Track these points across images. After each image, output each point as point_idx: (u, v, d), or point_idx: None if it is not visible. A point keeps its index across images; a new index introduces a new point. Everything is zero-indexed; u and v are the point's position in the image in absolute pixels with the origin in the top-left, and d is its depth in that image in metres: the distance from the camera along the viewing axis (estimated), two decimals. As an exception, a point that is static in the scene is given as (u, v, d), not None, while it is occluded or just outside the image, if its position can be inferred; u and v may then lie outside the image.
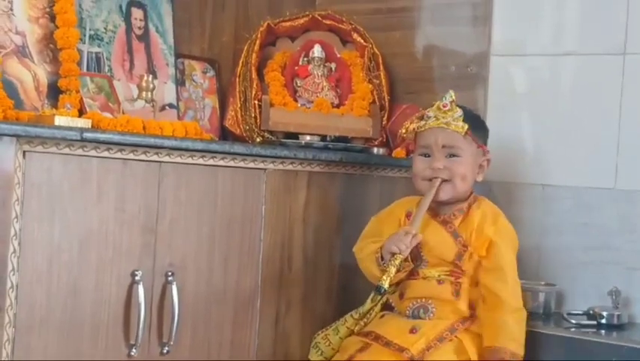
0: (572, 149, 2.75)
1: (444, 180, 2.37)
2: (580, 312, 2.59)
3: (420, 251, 2.38)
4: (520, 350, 2.31)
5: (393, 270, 2.26)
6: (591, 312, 2.57)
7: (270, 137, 2.75)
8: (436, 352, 2.27)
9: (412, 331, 2.30)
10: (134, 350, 2.15)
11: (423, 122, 2.39)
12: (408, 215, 2.44)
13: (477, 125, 2.41)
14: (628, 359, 2.32)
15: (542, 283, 2.68)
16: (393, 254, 2.27)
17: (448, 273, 2.38)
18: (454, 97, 2.38)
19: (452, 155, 2.37)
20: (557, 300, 2.70)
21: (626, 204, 2.66)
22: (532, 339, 2.37)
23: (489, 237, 2.36)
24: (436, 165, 2.37)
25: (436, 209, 2.41)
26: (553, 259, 2.74)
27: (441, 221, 2.40)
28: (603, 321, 2.53)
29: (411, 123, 2.78)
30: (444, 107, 2.37)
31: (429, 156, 2.39)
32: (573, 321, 2.54)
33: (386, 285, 2.24)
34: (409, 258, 2.33)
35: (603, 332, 2.48)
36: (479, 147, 2.40)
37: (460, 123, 2.35)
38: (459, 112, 2.36)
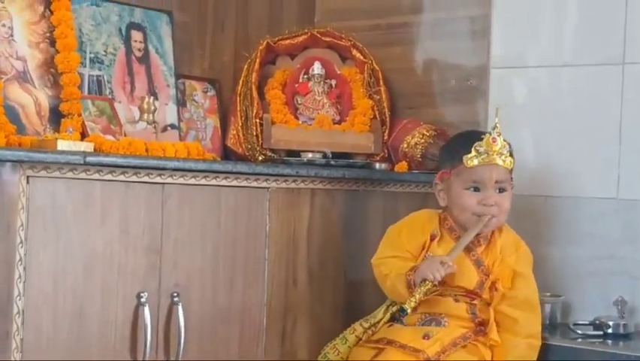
0: (574, 159, 2.76)
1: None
2: (586, 322, 2.59)
3: (445, 277, 2.35)
4: None
5: (420, 295, 2.27)
6: (597, 322, 2.57)
7: (273, 155, 2.76)
8: (452, 355, 2.28)
9: (425, 337, 2.31)
10: (141, 371, 2.16)
11: (472, 157, 2.36)
12: (432, 238, 2.42)
13: (514, 157, 2.41)
14: (635, 368, 2.32)
15: (548, 294, 2.68)
16: (424, 280, 2.27)
17: (464, 294, 2.38)
18: (500, 130, 2.36)
19: (501, 190, 2.38)
20: (563, 311, 2.71)
21: (628, 214, 2.66)
22: (539, 350, 2.37)
23: (512, 267, 2.39)
24: (490, 201, 2.36)
25: (460, 236, 2.39)
26: (558, 270, 2.74)
27: (465, 249, 2.38)
28: (609, 331, 2.54)
29: (412, 138, 2.80)
30: (493, 141, 2.35)
31: (478, 190, 2.38)
32: (579, 332, 2.54)
33: (410, 308, 2.26)
34: (437, 284, 2.33)
35: (610, 342, 2.49)
36: (511, 178, 2.42)
37: (509, 159, 2.37)
38: (507, 147, 2.36)
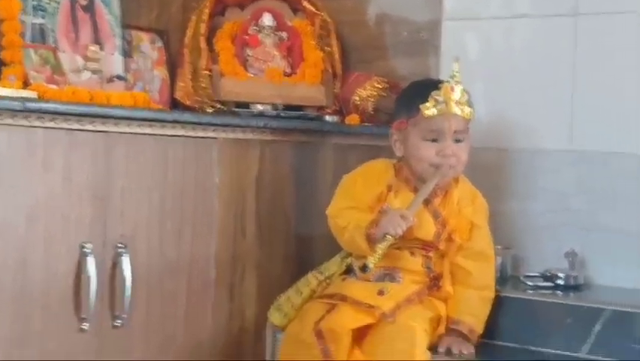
0: (528, 112, 2.73)
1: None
2: (537, 274, 2.58)
3: None
4: (478, 328, 2.32)
5: (382, 251, 2.23)
6: (548, 274, 2.56)
7: (222, 107, 2.71)
8: (407, 310, 2.25)
9: (380, 293, 2.27)
10: (85, 323, 2.12)
11: (430, 106, 2.31)
12: (389, 189, 2.39)
13: (473, 107, 2.37)
14: (585, 318, 2.31)
15: (499, 246, 2.65)
16: (385, 235, 2.23)
17: (420, 246, 2.36)
18: (459, 78, 2.32)
19: (458, 140, 2.34)
20: (514, 263, 2.69)
21: (582, 166, 2.65)
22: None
23: (469, 219, 2.37)
24: (448, 152, 2.32)
25: (418, 187, 2.36)
26: (512, 223, 2.72)
27: (422, 200, 2.35)
28: (560, 282, 2.53)
29: (364, 90, 2.77)
30: (451, 90, 2.30)
31: (434, 140, 2.34)
32: (530, 283, 2.53)
33: (372, 265, 2.22)
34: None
35: (560, 293, 2.48)
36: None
37: (468, 109, 2.32)
38: (466, 96, 2.32)
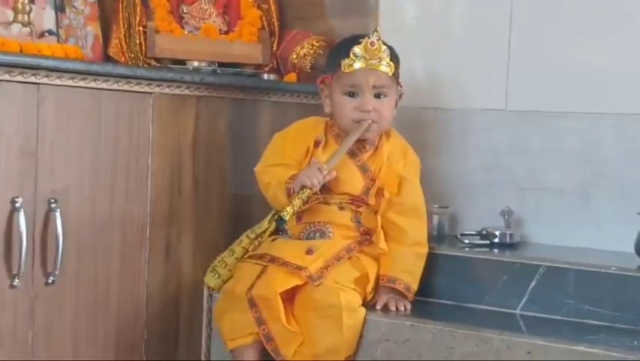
0: (463, 72, 2.74)
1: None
2: (473, 232, 2.60)
3: (328, 183, 2.32)
4: (414, 285, 2.32)
5: (298, 203, 2.23)
6: (484, 232, 2.58)
7: (157, 64, 2.66)
8: (334, 270, 2.23)
9: (309, 252, 2.25)
10: (16, 280, 2.08)
11: (350, 61, 2.30)
12: (317, 143, 2.38)
13: (397, 63, 2.36)
14: (520, 275, 2.34)
15: (436, 206, 2.67)
16: (303, 187, 2.23)
17: (349, 201, 2.35)
18: (380, 35, 2.31)
19: (379, 95, 2.34)
20: (451, 222, 2.71)
21: (516, 126, 2.67)
22: (426, 260, 2.36)
23: (399, 173, 2.36)
24: (367, 107, 2.32)
25: None
26: (447, 182, 2.74)
27: (350, 154, 2.35)
28: (496, 241, 2.55)
29: (302, 49, 2.74)
30: (371, 45, 2.30)
31: (354, 96, 2.33)
32: (467, 241, 2.55)
33: (288, 216, 2.22)
34: (318, 192, 2.29)
35: (496, 250, 2.49)
36: (397, 83, 2.37)
37: (390, 64, 2.31)
38: (387, 51, 2.31)
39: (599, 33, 2.56)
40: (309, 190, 2.23)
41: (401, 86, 2.41)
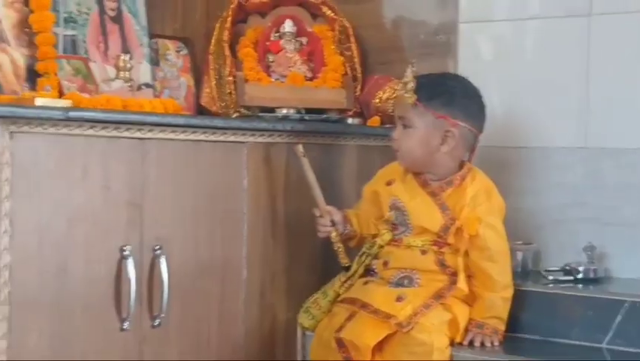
0: (543, 111, 2.79)
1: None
2: (557, 268, 2.64)
3: (406, 218, 2.41)
4: (501, 327, 2.37)
5: (337, 248, 2.46)
6: (568, 268, 2.61)
7: (247, 112, 2.78)
8: (424, 317, 2.29)
9: (398, 300, 2.31)
10: (126, 323, 2.19)
11: (391, 92, 2.45)
12: (388, 183, 2.48)
13: (435, 96, 2.38)
14: (605, 310, 2.37)
15: (519, 242, 2.72)
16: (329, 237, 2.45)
17: (431, 243, 2.40)
18: (412, 68, 2.39)
19: (405, 126, 2.41)
20: (535, 258, 2.75)
21: (596, 162, 2.71)
22: (512, 296, 2.41)
23: (482, 216, 2.37)
24: (393, 135, 2.44)
25: (426, 180, 2.43)
26: (530, 219, 2.78)
27: (430, 192, 2.41)
28: (580, 276, 2.58)
29: (384, 93, 2.85)
30: (405, 77, 2.39)
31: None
32: (551, 277, 2.59)
33: (344, 263, 2.44)
34: (396, 221, 2.42)
35: (580, 286, 2.53)
36: (439, 117, 2.38)
37: (409, 94, 2.36)
38: (411, 84, 2.36)
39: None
40: (333, 235, 2.46)
41: (455, 123, 2.38)
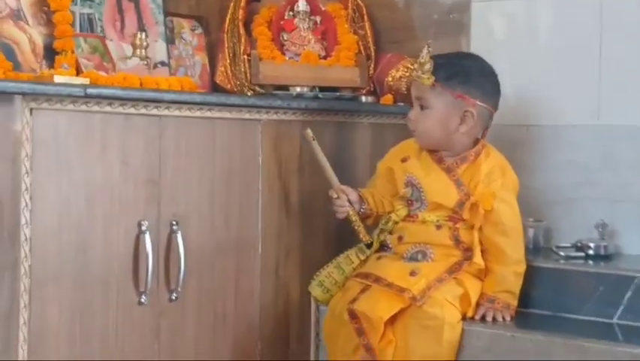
0: (554, 88, 2.81)
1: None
2: (568, 245, 2.66)
3: (421, 194, 2.44)
4: (514, 302, 2.39)
5: (357, 227, 2.48)
6: (579, 244, 2.64)
7: (261, 90, 2.81)
8: (437, 291, 2.31)
9: (412, 274, 2.33)
10: (143, 297, 2.24)
11: (408, 72, 2.47)
12: (403, 160, 2.49)
13: (453, 76, 2.39)
14: (616, 286, 2.40)
15: (531, 219, 2.74)
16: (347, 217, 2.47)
17: (446, 218, 2.42)
18: (428, 49, 2.38)
19: (423, 107, 2.42)
20: (546, 235, 2.77)
21: (608, 140, 2.73)
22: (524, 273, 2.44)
23: (496, 192, 2.39)
24: (409, 116, 2.45)
25: (441, 156, 2.45)
26: (541, 197, 2.80)
27: (445, 168, 2.43)
28: (591, 252, 2.60)
29: (397, 72, 2.86)
30: (421, 58, 2.39)
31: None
32: (562, 253, 2.61)
33: (365, 240, 2.47)
34: (411, 197, 2.45)
35: (591, 262, 2.55)
36: (458, 97, 2.39)
37: (426, 75, 2.37)
38: (428, 65, 2.37)
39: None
40: (351, 215, 2.47)
41: (474, 103, 2.39)
